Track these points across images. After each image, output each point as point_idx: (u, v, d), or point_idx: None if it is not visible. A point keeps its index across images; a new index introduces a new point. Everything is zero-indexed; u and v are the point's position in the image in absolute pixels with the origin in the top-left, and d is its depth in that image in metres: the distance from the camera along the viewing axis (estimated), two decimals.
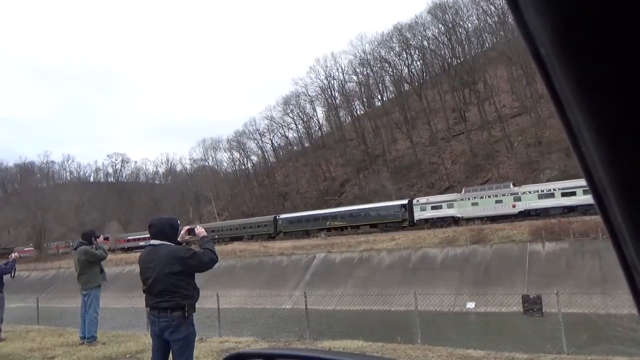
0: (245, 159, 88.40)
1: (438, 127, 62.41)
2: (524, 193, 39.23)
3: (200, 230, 4.51)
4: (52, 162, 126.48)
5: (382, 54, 70.16)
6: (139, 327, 12.57)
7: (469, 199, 41.57)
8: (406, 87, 69.20)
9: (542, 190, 38.59)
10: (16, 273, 9.99)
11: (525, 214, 37.62)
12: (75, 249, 8.47)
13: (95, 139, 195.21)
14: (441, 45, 67.69)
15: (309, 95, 78.53)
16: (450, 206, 42.45)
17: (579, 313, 14.32)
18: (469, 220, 39.84)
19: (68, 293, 31.10)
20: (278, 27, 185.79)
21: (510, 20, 63.11)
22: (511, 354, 6.28)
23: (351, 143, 71.72)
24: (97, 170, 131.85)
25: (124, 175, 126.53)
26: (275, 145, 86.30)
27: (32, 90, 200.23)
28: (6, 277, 9.71)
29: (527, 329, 14.82)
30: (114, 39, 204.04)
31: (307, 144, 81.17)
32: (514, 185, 41.15)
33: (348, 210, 49.35)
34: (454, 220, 41.24)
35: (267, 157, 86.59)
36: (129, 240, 67.13)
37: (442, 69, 68.45)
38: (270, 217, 55.16)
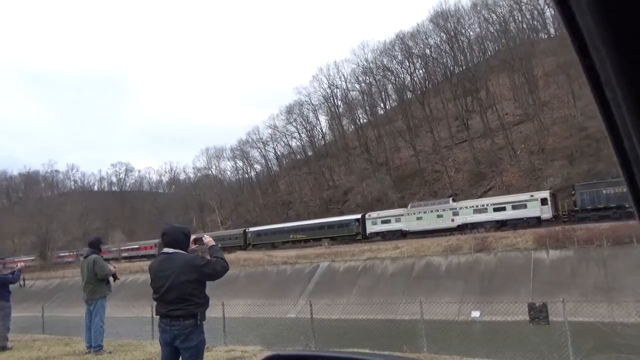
0: (248, 168, 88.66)
1: (441, 135, 62.48)
2: (461, 208, 42.25)
3: (208, 239, 4.54)
4: (57, 171, 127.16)
5: (385, 62, 70.55)
6: (144, 336, 12.58)
7: (414, 213, 44.66)
8: (409, 95, 69.38)
9: (476, 206, 41.36)
10: (25, 282, 10.04)
11: (463, 227, 40.07)
12: (85, 257, 8.46)
13: (99, 148, 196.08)
14: (443, 53, 67.97)
15: (312, 104, 78.90)
16: (398, 220, 45.49)
17: (585, 321, 14.24)
18: (415, 233, 42.49)
19: (72, 302, 31.09)
20: (281, 36, 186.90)
21: (512, 28, 63.53)
22: None
23: (354, 151, 71.83)
24: (101, 179, 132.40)
25: (127, 184, 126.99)
26: (279, 154, 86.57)
27: (36, 99, 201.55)
28: (14, 287, 9.77)
29: (533, 337, 14.73)
30: (118, 47, 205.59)
31: (310, 153, 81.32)
32: (453, 200, 44.33)
33: (309, 224, 52.44)
34: (402, 234, 43.88)
35: (270, 165, 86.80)
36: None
37: (445, 77, 68.64)
38: (241, 230, 58.45)
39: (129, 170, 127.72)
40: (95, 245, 8.57)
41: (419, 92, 68.53)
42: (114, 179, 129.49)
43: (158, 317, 4.21)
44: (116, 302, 17.37)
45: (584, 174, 42.36)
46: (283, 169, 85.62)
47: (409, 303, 17.26)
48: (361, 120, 75.51)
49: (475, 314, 22.32)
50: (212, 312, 4.31)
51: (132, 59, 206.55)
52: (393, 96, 73.17)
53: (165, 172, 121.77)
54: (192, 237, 4.54)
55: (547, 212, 37.84)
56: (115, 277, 8.56)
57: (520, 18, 64.56)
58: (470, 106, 63.18)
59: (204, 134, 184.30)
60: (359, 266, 31.69)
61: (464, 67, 66.11)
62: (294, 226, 53.54)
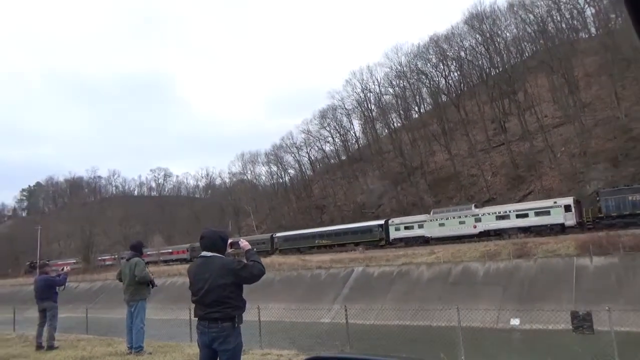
0: (282, 173, 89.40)
1: (477, 138, 61.27)
2: (483, 215, 42.06)
3: (244, 243, 4.61)
4: (99, 177, 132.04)
5: (419, 65, 69.76)
6: (182, 337, 12.85)
7: (436, 220, 44.50)
8: (443, 98, 68.41)
9: (499, 212, 41.24)
10: (66, 286, 10.44)
11: (485, 234, 40.06)
12: (127, 259, 8.72)
13: (139, 154, 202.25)
14: (479, 55, 66.66)
15: (345, 108, 78.91)
16: (420, 226, 45.65)
17: (632, 332, 13.63)
18: (438, 239, 42.28)
19: (114, 304, 32.06)
20: (314, 41, 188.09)
21: (550, 28, 61.75)
22: None
23: (388, 156, 71.32)
24: (141, 184, 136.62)
25: (166, 189, 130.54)
26: (313, 158, 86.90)
27: (79, 108, 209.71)
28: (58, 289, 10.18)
29: (576, 347, 14.19)
30: (155, 56, 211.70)
31: (344, 157, 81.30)
32: (476, 207, 43.83)
33: (334, 230, 53.40)
34: (425, 240, 43.92)
35: (304, 170, 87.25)
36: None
37: (480, 79, 67.31)
38: (268, 235, 59.54)
39: (167, 175, 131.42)
40: (137, 249, 8.83)
41: (454, 95, 67.46)
42: (153, 184, 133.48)
43: (196, 319, 4.30)
44: (155, 304, 17.84)
45: (629, 177, 40.65)
46: (317, 174, 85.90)
47: (445, 309, 16.95)
48: (395, 124, 74.96)
49: (515, 321, 21.66)
50: (248, 315, 4.37)
51: (170, 68, 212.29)
52: (427, 99, 72.37)
53: (202, 177, 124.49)
54: (229, 241, 4.62)
55: (570, 219, 37.18)
56: (152, 284, 8.77)
57: (559, 18, 62.61)
58: (508, 108, 61.72)
59: (239, 140, 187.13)
60: (394, 271, 31.34)
61: (500, 69, 64.67)
62: (319, 232, 54.47)
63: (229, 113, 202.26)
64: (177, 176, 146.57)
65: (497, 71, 65.08)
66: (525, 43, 67.41)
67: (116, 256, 71.48)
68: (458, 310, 11.55)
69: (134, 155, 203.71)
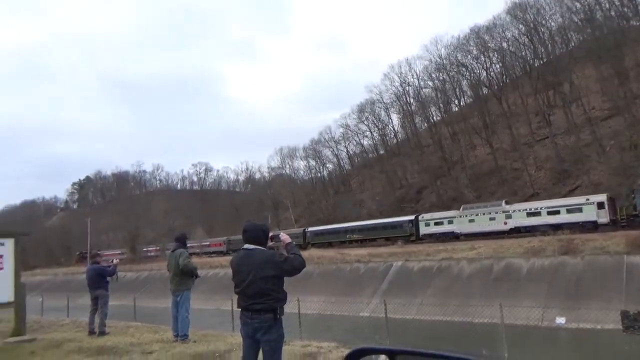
0: (321, 167, 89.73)
1: (520, 131, 59.38)
2: (514, 211, 41.41)
3: (284, 236, 4.69)
4: (144, 171, 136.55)
5: (459, 58, 68.12)
6: (225, 327, 13.19)
7: (466, 216, 44.25)
8: (485, 91, 66.60)
9: (530, 209, 40.75)
10: (118, 276, 10.95)
11: (516, 231, 39.69)
12: (172, 251, 9.07)
13: (181, 149, 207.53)
14: (522, 46, 64.43)
15: (383, 102, 78.21)
16: (450, 222, 45.32)
17: None
18: (467, 235, 42.36)
19: (159, 293, 33.19)
20: (352, 35, 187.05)
21: (598, 16, 58.95)
22: None
23: (427, 149, 70.22)
24: (183, 178, 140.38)
25: (207, 183, 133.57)
26: (351, 152, 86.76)
27: (125, 105, 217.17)
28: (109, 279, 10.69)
29: (627, 348, 13.64)
30: (196, 54, 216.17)
31: (382, 151, 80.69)
32: (507, 203, 43.39)
33: (365, 224, 53.79)
34: (455, 236, 43.77)
35: (342, 164, 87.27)
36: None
37: (524, 71, 65.10)
38: (300, 230, 60.20)
39: (208, 170, 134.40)
40: (182, 240, 9.16)
41: (496, 87, 65.52)
42: (195, 178, 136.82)
43: (238, 309, 4.43)
44: (198, 295, 18.32)
45: None
46: (355, 168, 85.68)
47: (487, 306, 16.62)
48: (434, 118, 73.65)
49: (561, 320, 20.96)
50: (288, 307, 4.45)
51: (210, 64, 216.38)
52: (468, 92, 70.59)
53: (242, 172, 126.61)
54: (270, 234, 4.71)
55: (603, 217, 36.03)
56: (196, 275, 9.07)
57: (607, 5, 59.52)
58: (552, 101, 59.46)
59: (278, 134, 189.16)
60: (434, 266, 30.91)
61: (544, 60, 62.34)
62: (350, 226, 54.91)
63: (268, 108, 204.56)
64: (218, 170, 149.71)
65: (542, 62, 62.78)
66: (572, 32, 64.56)
67: (160, 247, 73.87)
68: (501, 307, 11.32)
69: (176, 151, 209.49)
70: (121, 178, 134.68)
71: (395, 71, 75.84)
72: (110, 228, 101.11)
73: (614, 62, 51.37)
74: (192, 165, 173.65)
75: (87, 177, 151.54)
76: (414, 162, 69.92)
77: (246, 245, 4.40)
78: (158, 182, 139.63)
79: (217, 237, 73.42)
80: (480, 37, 65.50)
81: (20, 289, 9.73)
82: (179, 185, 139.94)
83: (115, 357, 7.25)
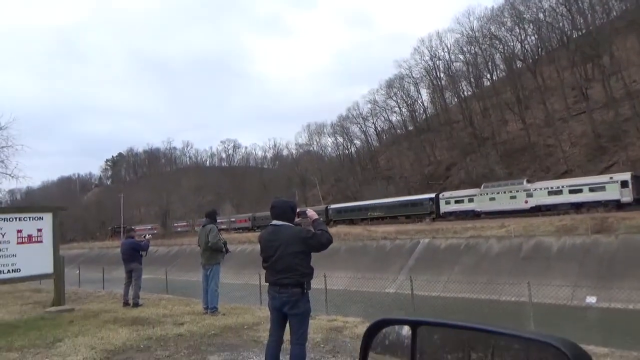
0: (348, 144, 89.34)
1: (554, 106, 57.47)
2: (535, 190, 41.18)
3: (311, 212, 4.72)
4: (174, 148, 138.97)
5: (492, 30, 65.76)
6: (252, 300, 13.50)
7: (487, 194, 44.23)
8: (519, 64, 64.41)
9: (551, 188, 40.42)
10: (148, 252, 11.31)
11: (537, 210, 39.56)
12: (203, 226, 9.31)
13: (210, 126, 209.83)
14: (559, 17, 61.71)
15: (413, 77, 76.71)
16: (470, 200, 45.51)
17: None
18: (488, 214, 42.48)
19: (190, 267, 34.15)
20: (380, 8, 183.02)
21: None
22: None
23: (457, 125, 68.86)
24: (212, 155, 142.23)
25: (235, 160, 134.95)
26: (379, 129, 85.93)
27: (155, 83, 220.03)
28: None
29: None
30: (224, 32, 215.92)
31: (411, 128, 79.61)
32: (528, 181, 43.16)
33: (385, 202, 53.92)
34: (475, 214, 43.87)
35: (370, 141, 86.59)
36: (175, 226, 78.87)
37: (561, 43, 62.51)
38: (323, 207, 60.80)
39: (236, 146, 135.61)
40: (212, 216, 9.37)
41: (530, 60, 63.26)
42: (224, 155, 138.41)
43: (267, 284, 4.52)
44: (227, 269, 18.78)
45: None
46: (383, 145, 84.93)
47: (516, 284, 16.46)
48: (465, 93, 71.89)
49: (591, 299, 20.61)
50: (315, 283, 4.52)
51: (238, 41, 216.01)
52: (501, 66, 68.37)
53: (270, 148, 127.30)
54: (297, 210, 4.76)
55: (627, 196, 35.57)
56: (226, 250, 9.28)
57: None
58: (590, 74, 57.16)
59: (305, 111, 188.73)
60: (462, 244, 30.68)
61: (583, 31, 59.62)
62: (371, 204, 55.27)
63: (296, 84, 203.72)
64: (246, 147, 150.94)
65: (580, 33, 60.11)
66: (613, 1, 61.43)
67: (190, 223, 75.56)
68: (529, 285, 11.20)
69: (205, 128, 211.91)
70: (152, 155, 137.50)
71: (426, 45, 74.14)
72: (142, 203, 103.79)
73: None
74: (221, 142, 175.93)
75: (120, 154, 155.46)
76: (443, 139, 68.80)
77: (274, 222, 4.46)
78: (188, 158, 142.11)
79: (245, 214, 74.55)
80: (515, 8, 62.99)
81: (59, 261, 10.16)
82: (207, 162, 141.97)
83: (148, 327, 7.54)
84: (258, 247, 4.62)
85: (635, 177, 37.10)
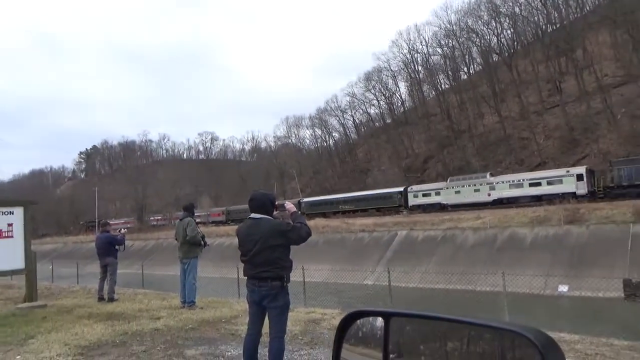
0: (327, 136, 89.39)
1: (530, 99, 58.55)
2: (497, 183, 42.85)
3: (290, 205, 4.71)
4: (150, 140, 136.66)
5: (469, 23, 66.42)
6: (230, 294, 13.45)
7: (453, 187, 45.88)
8: (495, 58, 65.31)
9: (512, 181, 42.19)
10: (125, 246, 11.13)
11: (499, 202, 41.02)
12: (180, 220, 9.20)
13: (187, 118, 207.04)
14: (535, 11, 62.74)
15: (391, 70, 77.05)
16: (437, 194, 47.09)
17: None
18: (453, 207, 43.64)
19: (167, 261, 33.77)
20: (359, 1, 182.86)
21: None
22: (609, 339, 5.95)
23: (435, 118, 69.52)
24: (189, 148, 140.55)
25: (213, 153, 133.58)
26: (357, 121, 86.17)
27: (131, 74, 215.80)
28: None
29: (628, 315, 13.81)
30: (200, 22, 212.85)
31: (389, 120, 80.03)
32: (491, 175, 44.90)
33: (356, 196, 55.32)
34: (442, 207, 45.20)
35: (348, 133, 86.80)
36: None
37: (536, 37, 63.59)
38: (296, 200, 60.65)
39: (214, 139, 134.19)
40: (189, 209, 9.27)
41: (507, 54, 64.20)
42: (201, 148, 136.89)
43: (244, 277, 4.49)
44: (205, 262, 18.65)
45: None
46: (361, 137, 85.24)
47: (491, 274, 16.80)
48: (443, 86, 72.56)
49: (563, 288, 21.18)
50: (293, 276, 4.51)
51: (215, 35, 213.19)
52: (478, 60, 69.19)
53: (248, 141, 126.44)
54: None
55: (582, 188, 37.57)
56: (205, 244, 9.21)
57: None
58: (564, 68, 58.34)
59: (284, 104, 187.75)
60: (439, 235, 31.12)
61: (558, 25, 60.77)
62: (342, 197, 56.46)
63: (274, 77, 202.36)
64: (224, 140, 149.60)
65: (554, 28, 61.25)
66: None
67: (167, 217, 74.68)
68: (503, 275, 11.44)
69: (182, 120, 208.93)
70: (128, 147, 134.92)
71: (404, 38, 74.52)
72: (118, 197, 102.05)
73: (629, 27, 49.98)
74: (198, 134, 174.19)
75: (94, 147, 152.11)
76: (420, 132, 69.42)
77: (253, 215, 4.42)
78: (164, 151, 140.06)
79: (224, 207, 74.03)
80: (491, 2, 63.73)
81: (30, 256, 9.93)
82: (185, 155, 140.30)
83: (124, 322, 7.44)
84: (236, 240, 4.58)
85: (590, 170, 39.10)
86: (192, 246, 8.93)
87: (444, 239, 30.42)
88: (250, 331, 4.42)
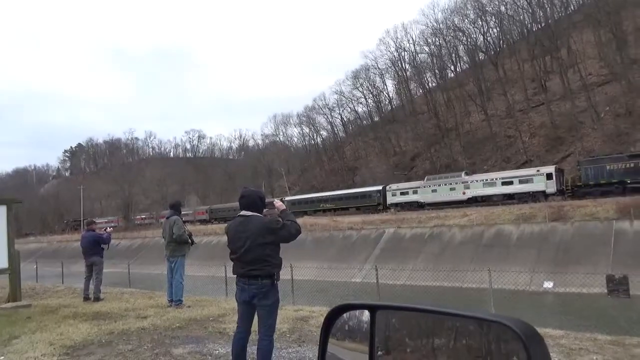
0: (315, 134, 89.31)
1: (515, 98, 59.14)
2: (472, 182, 43.77)
3: (279, 204, 4.68)
4: (136, 138, 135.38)
5: (456, 22, 66.96)
6: (218, 293, 13.40)
7: (430, 186, 46.77)
8: (481, 56, 65.85)
9: (486, 180, 43.18)
10: (109, 245, 11.00)
11: (473, 200, 42.03)
12: (167, 218, 9.12)
13: (174, 116, 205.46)
14: (520, 9, 63.37)
15: (378, 68, 77.24)
16: (415, 192, 47.81)
17: None
18: (430, 205, 44.90)
19: (153, 260, 33.55)
20: None
21: None
22: (593, 334, 6.04)
23: (422, 117, 69.88)
24: (176, 146, 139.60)
25: (200, 151, 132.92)
26: (345, 119, 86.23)
27: (116, 72, 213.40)
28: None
29: (611, 310, 14.05)
30: (189, 21, 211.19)
31: (376, 118, 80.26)
32: (466, 174, 45.83)
33: (336, 194, 56.12)
34: (419, 205, 46.09)
35: (336, 131, 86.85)
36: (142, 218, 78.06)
37: (521, 36, 64.25)
38: (279, 199, 60.75)
39: (201, 137, 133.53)
40: (176, 208, 9.21)
41: (493, 52, 64.78)
42: (188, 146, 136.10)
43: (233, 276, 4.46)
44: (192, 261, 18.54)
45: None
46: (349, 135, 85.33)
47: (477, 271, 16.96)
48: (430, 84, 73.02)
49: (548, 284, 21.47)
50: (282, 274, 4.50)
51: (202, 32, 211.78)
52: (464, 58, 69.73)
53: (235, 139, 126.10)
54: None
55: (551, 187, 38.61)
56: (192, 242, 9.15)
57: None
58: (549, 66, 59.01)
59: (271, 101, 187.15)
60: (426, 233, 31.32)
61: (543, 24, 61.45)
62: (323, 196, 57.16)
63: (262, 75, 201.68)
64: (211, 138, 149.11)
65: (540, 26, 61.91)
66: None
67: (154, 215, 74.07)
68: (489, 272, 11.56)
69: (169, 118, 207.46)
70: (113, 145, 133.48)
71: (391, 36, 74.75)
72: (104, 196, 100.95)
73: (612, 26, 50.69)
74: (185, 132, 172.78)
75: (79, 145, 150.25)
76: (408, 129, 69.71)
77: (243, 212, 4.39)
78: (151, 149, 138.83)
79: (212, 205, 73.65)
80: (478, 1, 64.28)
81: (14, 255, 9.78)
82: (172, 153, 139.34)
83: (110, 322, 7.36)
84: (223, 239, 4.55)
85: (559, 170, 40.40)
86: (179, 245, 8.87)
87: (431, 237, 30.62)
88: (239, 329, 4.40)
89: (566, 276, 18.88)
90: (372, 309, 1.31)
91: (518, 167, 47.60)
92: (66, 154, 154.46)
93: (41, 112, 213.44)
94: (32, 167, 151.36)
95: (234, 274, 4.41)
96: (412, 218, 35.43)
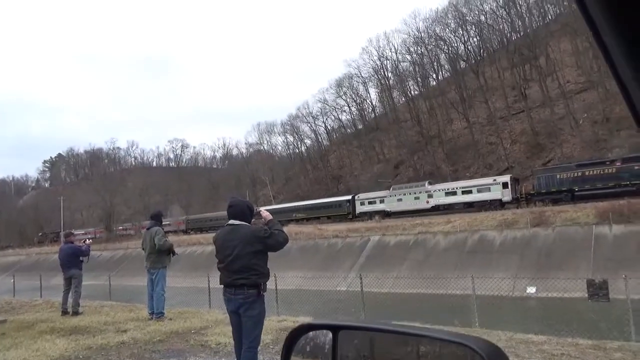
0: (299, 143, 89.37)
1: (496, 105, 60.04)
2: (435, 191, 45.13)
3: (266, 213, 4.70)
4: (118, 148, 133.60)
5: (437, 31, 67.88)
6: (201, 304, 13.22)
7: (395, 195, 47.95)
8: (462, 65, 66.81)
9: (448, 189, 44.63)
10: (89, 257, 10.77)
11: (436, 209, 43.21)
12: (147, 229, 8.96)
13: (156, 125, 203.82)
14: (500, 19, 64.62)
15: (361, 76, 77.77)
16: (382, 201, 48.78)
17: None
18: (395, 213, 45.74)
19: (135, 272, 32.96)
20: (329, 8, 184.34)
21: None
22: (574, 339, 6.09)
23: (405, 124, 70.46)
24: (159, 155, 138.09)
25: (184, 160, 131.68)
26: (329, 128, 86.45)
27: (97, 81, 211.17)
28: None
29: (592, 315, 14.22)
30: (170, 28, 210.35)
31: (360, 126, 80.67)
32: (429, 184, 46.93)
33: (308, 204, 56.80)
34: (386, 214, 46.71)
35: (320, 140, 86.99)
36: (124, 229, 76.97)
37: (501, 45, 65.43)
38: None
39: (184, 146, 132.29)
40: (157, 218, 9.06)
41: (473, 61, 65.78)
42: (171, 155, 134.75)
43: (218, 287, 4.43)
44: (175, 272, 18.29)
45: None
46: (333, 143, 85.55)
47: (461, 278, 17.02)
48: (412, 92, 73.73)
49: (531, 290, 21.69)
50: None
51: (185, 40, 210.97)
52: (446, 66, 70.72)
53: (219, 148, 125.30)
54: None
55: (507, 195, 40.26)
56: (173, 253, 9.01)
57: None
58: (529, 74, 60.12)
59: (255, 110, 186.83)
60: (410, 240, 31.46)
61: (521, 34, 62.70)
62: (295, 206, 58.15)
63: (245, 83, 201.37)
64: (194, 147, 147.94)
65: (519, 36, 63.12)
66: (548, 5, 65.02)
67: (137, 225, 73.06)
68: (473, 278, 11.62)
69: (151, 127, 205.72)
70: (94, 155, 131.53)
71: (374, 45, 75.44)
72: (85, 206, 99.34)
73: (589, 35, 51.73)
74: (168, 141, 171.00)
75: (59, 155, 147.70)
76: (391, 137, 70.19)
77: (231, 221, 4.40)
78: (133, 159, 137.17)
79: (195, 214, 72.98)
80: (458, 10, 65.34)
81: None
82: (154, 163, 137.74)
83: (88, 336, 7.19)
84: (207, 249, 4.51)
85: (514, 179, 42.10)
86: (160, 256, 8.73)
87: (415, 243, 30.75)
88: (235, 341, 4.43)
89: (548, 281, 19.08)
90: (335, 329, 1.28)
91: (500, 174, 48.20)
92: (46, 164, 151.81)
93: (20, 122, 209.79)
94: (10, 178, 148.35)
95: (220, 284, 4.40)
96: (397, 225, 35.56)
